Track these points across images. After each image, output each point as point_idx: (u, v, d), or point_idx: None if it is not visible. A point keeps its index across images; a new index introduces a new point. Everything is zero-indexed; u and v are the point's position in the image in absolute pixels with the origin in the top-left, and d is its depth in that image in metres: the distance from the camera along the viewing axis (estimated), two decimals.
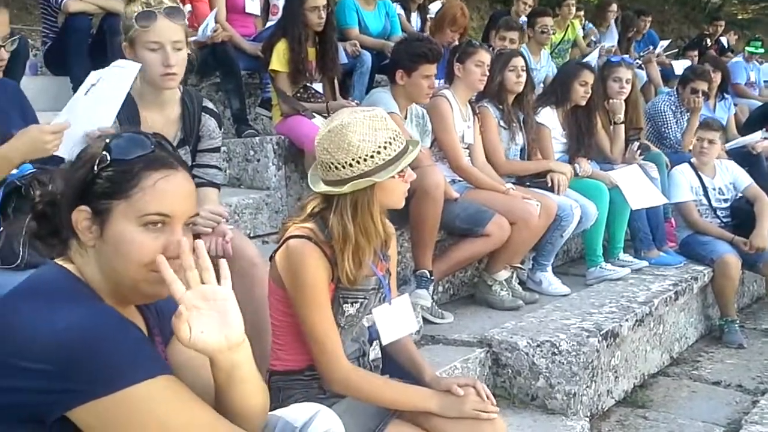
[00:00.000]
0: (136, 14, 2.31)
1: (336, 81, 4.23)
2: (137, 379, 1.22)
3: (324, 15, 4.04)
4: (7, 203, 2.04)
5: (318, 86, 4.16)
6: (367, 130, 1.90)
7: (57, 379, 1.19)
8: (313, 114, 4.01)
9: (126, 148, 1.34)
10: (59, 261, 1.37)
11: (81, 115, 2.13)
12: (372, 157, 1.89)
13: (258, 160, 4.00)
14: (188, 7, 4.14)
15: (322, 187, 1.96)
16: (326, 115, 4.06)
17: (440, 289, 3.79)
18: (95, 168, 1.32)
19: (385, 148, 1.90)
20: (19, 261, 1.97)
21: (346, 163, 1.89)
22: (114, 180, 1.32)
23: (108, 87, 2.18)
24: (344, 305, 2.01)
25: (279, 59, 4.01)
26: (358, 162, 1.89)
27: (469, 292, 3.98)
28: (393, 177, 1.92)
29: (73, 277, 1.34)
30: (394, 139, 1.92)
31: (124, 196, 1.31)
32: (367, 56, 4.89)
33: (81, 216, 1.33)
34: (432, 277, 3.44)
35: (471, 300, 3.91)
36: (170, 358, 1.48)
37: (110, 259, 1.33)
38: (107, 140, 1.35)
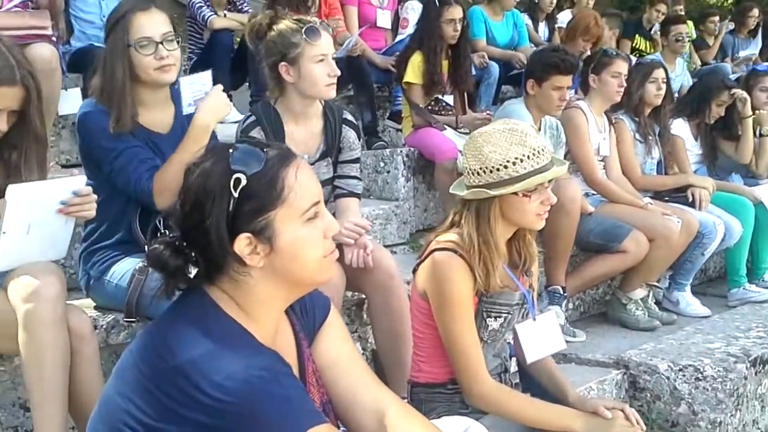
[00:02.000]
0: (304, 30, 2.42)
1: (466, 93, 4.22)
2: None
3: (459, 27, 4.06)
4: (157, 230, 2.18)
5: (449, 98, 4.17)
6: (500, 142, 1.90)
7: None
8: (444, 126, 4.02)
9: (250, 159, 1.29)
10: (211, 292, 1.33)
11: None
12: (498, 169, 1.88)
13: (388, 172, 4.05)
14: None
15: (456, 190, 1.98)
16: (456, 127, 4.09)
17: (570, 306, 3.69)
18: (234, 193, 1.26)
19: (513, 163, 1.87)
20: None
21: (475, 170, 1.91)
22: (261, 194, 1.28)
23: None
24: (488, 319, 1.99)
25: (414, 71, 4.05)
26: (484, 172, 1.90)
27: (601, 310, 3.86)
28: (517, 194, 1.89)
29: (227, 318, 1.31)
30: (528, 156, 1.88)
31: (278, 204, 1.29)
32: (495, 67, 4.87)
33: (243, 244, 1.28)
34: (565, 294, 3.36)
35: (603, 318, 3.78)
36: (316, 359, 1.51)
37: (286, 267, 1.32)
38: (229, 158, 1.29)
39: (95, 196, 2.01)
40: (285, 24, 2.46)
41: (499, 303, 1.98)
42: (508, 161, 1.87)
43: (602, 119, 3.81)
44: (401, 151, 4.08)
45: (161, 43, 2.20)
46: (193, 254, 1.32)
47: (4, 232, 1.88)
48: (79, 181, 1.99)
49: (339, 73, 2.50)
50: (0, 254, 1.91)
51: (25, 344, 1.85)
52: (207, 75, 2.29)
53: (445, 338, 1.95)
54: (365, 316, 2.85)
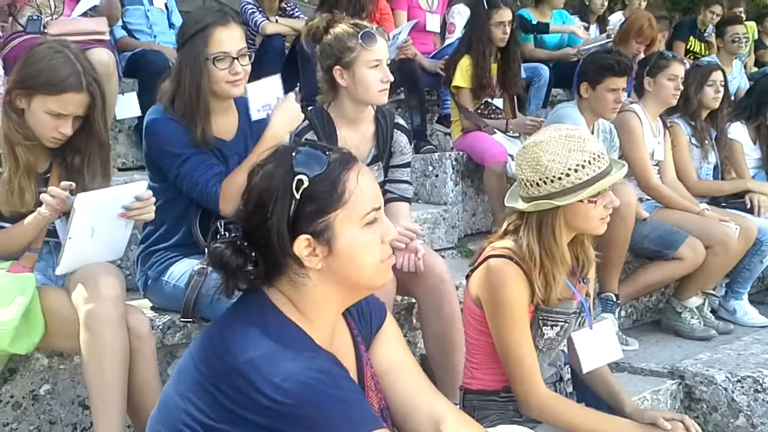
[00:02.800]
0: (360, 35, 2.42)
1: (516, 96, 4.18)
2: None
3: (508, 30, 4.03)
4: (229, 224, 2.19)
5: (498, 102, 4.14)
6: (559, 150, 1.84)
7: None
8: (494, 130, 4.00)
9: (312, 161, 1.30)
10: (270, 294, 1.34)
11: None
12: (560, 178, 1.83)
13: (436, 176, 4.04)
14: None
15: (511, 202, 1.94)
16: (506, 131, 4.05)
17: (622, 313, 3.62)
18: (296, 195, 1.28)
19: (575, 170, 1.83)
20: None
21: (533, 182, 1.86)
22: (323, 196, 1.28)
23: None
24: (543, 328, 1.96)
25: (462, 75, 4.04)
26: (545, 182, 1.84)
27: (654, 318, 3.78)
28: (582, 201, 1.85)
29: (286, 319, 1.32)
30: (589, 162, 1.84)
31: (339, 206, 1.29)
32: (545, 70, 4.81)
33: (302, 245, 1.29)
34: (618, 301, 3.30)
35: (656, 327, 3.71)
36: (374, 364, 1.51)
37: (343, 270, 1.32)
38: (292, 160, 1.30)
39: (154, 200, 2.04)
40: (341, 28, 2.47)
41: (555, 312, 1.95)
42: (569, 169, 1.83)
43: (657, 123, 3.73)
44: (450, 155, 4.06)
45: (237, 58, 2.24)
46: (253, 254, 1.33)
47: (69, 237, 1.93)
48: (140, 186, 2.04)
49: (392, 79, 2.51)
50: (64, 258, 1.97)
51: (86, 343, 1.89)
52: (276, 80, 2.32)
53: (500, 346, 1.93)
54: (414, 320, 2.84)
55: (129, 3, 3.95)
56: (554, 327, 1.96)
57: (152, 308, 2.35)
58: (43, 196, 1.98)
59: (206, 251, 2.20)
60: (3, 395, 2.10)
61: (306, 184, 1.27)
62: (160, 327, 2.26)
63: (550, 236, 1.87)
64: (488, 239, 2.06)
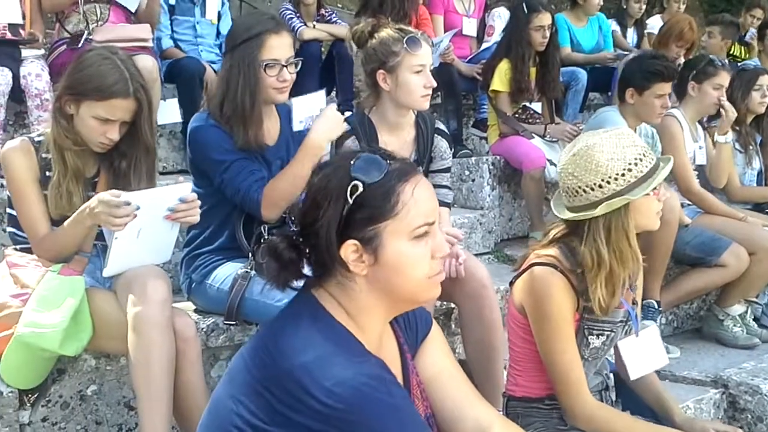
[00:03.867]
0: (405, 40, 2.43)
1: (554, 101, 4.16)
2: None
3: (548, 34, 4.01)
4: (273, 225, 2.22)
5: (536, 106, 4.12)
6: (614, 149, 1.83)
7: None
8: (533, 135, 3.97)
9: (370, 168, 1.30)
10: (320, 297, 1.35)
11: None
12: (623, 175, 1.81)
13: (473, 180, 4.02)
14: None
15: (569, 214, 1.90)
16: (544, 135, 4.03)
17: (663, 321, 3.56)
18: (350, 200, 1.28)
19: (636, 164, 1.82)
20: None
21: (595, 184, 1.83)
22: (375, 205, 1.29)
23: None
24: (589, 337, 1.94)
25: (501, 79, 4.02)
26: (608, 182, 1.82)
27: (695, 326, 3.72)
28: (647, 195, 1.83)
29: (337, 324, 1.32)
30: (643, 155, 1.84)
31: (390, 216, 1.29)
32: (582, 74, 4.77)
33: (349, 250, 1.30)
34: (660, 308, 3.25)
35: (697, 334, 3.64)
36: (420, 372, 1.51)
37: (388, 280, 1.32)
38: (351, 164, 1.30)
39: (200, 202, 2.07)
40: (387, 32, 2.48)
41: (602, 321, 1.92)
42: (630, 164, 1.81)
43: (696, 127, 3.68)
44: (487, 160, 4.05)
45: (286, 66, 2.26)
46: (306, 251, 1.35)
47: (116, 238, 1.96)
48: (185, 188, 2.06)
49: (435, 84, 2.51)
50: (111, 258, 2.00)
51: (133, 345, 1.92)
52: (321, 95, 2.33)
53: (544, 355, 1.91)
54: (453, 325, 2.83)
55: (180, 14, 4.01)
56: (600, 336, 1.94)
57: (196, 311, 2.37)
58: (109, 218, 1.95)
59: (250, 255, 2.24)
60: (52, 395, 2.14)
61: (360, 190, 1.28)
62: (204, 330, 2.29)
63: (621, 236, 1.84)
64: (532, 246, 2.04)
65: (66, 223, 2.05)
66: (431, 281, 1.34)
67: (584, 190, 1.84)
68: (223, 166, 2.23)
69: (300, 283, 1.39)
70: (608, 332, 1.95)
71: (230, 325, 2.27)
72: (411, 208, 1.29)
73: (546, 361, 1.91)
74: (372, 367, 1.28)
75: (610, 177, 1.81)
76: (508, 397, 2.06)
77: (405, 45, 2.43)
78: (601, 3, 5.19)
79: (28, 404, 2.09)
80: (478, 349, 2.45)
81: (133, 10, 3.56)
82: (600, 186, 1.82)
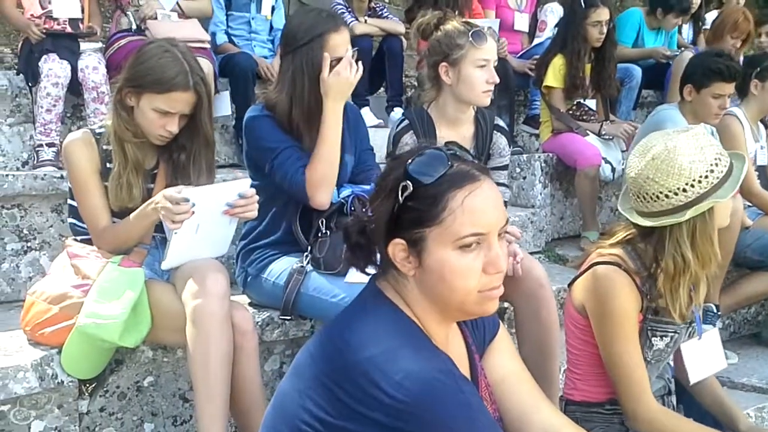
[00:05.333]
0: (470, 33, 2.40)
1: (609, 98, 4.08)
2: None
3: (605, 30, 3.92)
4: (331, 219, 2.20)
5: (591, 103, 4.03)
6: (694, 150, 1.76)
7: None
8: (587, 132, 3.89)
9: (426, 170, 1.25)
10: (384, 288, 1.34)
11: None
12: (706, 177, 1.74)
13: (524, 178, 3.96)
14: None
15: (647, 221, 1.81)
16: (599, 133, 3.94)
17: (719, 325, 3.46)
18: (400, 198, 1.25)
19: (716, 165, 1.75)
20: (340, 268, 2.12)
21: (678, 189, 1.75)
22: (422, 208, 1.24)
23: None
24: (653, 338, 1.88)
25: (555, 75, 3.95)
26: (692, 185, 1.74)
27: (753, 331, 3.63)
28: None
29: (405, 316, 1.30)
30: (721, 155, 1.77)
31: (435, 223, 1.24)
32: (637, 71, 4.67)
33: (397, 248, 1.27)
34: (718, 312, 3.16)
35: (755, 340, 3.56)
36: (487, 373, 1.47)
37: (434, 286, 1.28)
38: (408, 163, 1.27)
39: (258, 198, 2.07)
40: (452, 25, 2.44)
41: (665, 321, 1.87)
42: (711, 165, 1.75)
43: (758, 127, 3.56)
44: (539, 157, 3.98)
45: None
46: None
47: (175, 232, 1.97)
48: (244, 183, 2.06)
49: (498, 80, 2.46)
50: (170, 252, 2.01)
51: (192, 338, 1.93)
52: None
53: (606, 357, 1.86)
54: (507, 325, 2.78)
55: (236, 9, 4.03)
56: (664, 338, 1.88)
57: (250, 304, 2.37)
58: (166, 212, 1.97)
59: (308, 249, 2.23)
60: (110, 385, 2.16)
61: (410, 191, 1.24)
62: (259, 323, 2.29)
63: (705, 239, 1.78)
64: (595, 246, 1.99)
65: (131, 216, 2.07)
66: (482, 296, 1.27)
67: (666, 195, 1.77)
68: (274, 153, 2.23)
69: (372, 271, 1.37)
70: (672, 334, 1.89)
71: (285, 319, 2.27)
72: (458, 216, 1.23)
73: (608, 363, 1.86)
74: (442, 362, 1.25)
75: (694, 180, 1.74)
76: (566, 401, 2.02)
77: (470, 38, 2.40)
78: (679, 23, 5.06)
79: (87, 394, 2.12)
80: (534, 350, 2.40)
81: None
82: (684, 190, 1.75)
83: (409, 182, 1.24)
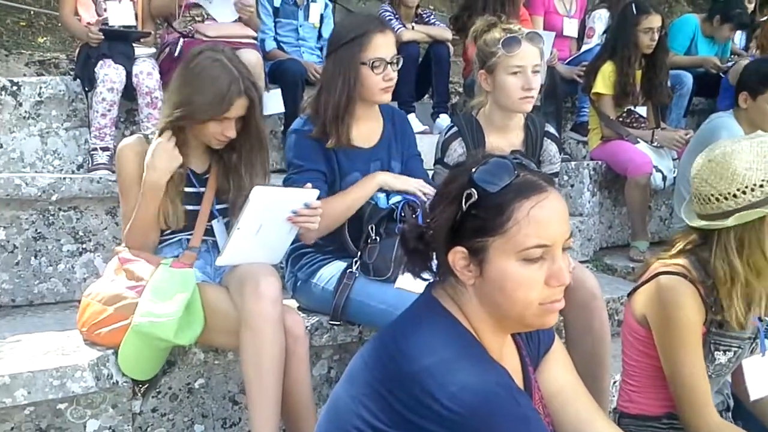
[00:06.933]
0: (501, 41, 2.37)
1: (660, 106, 4.01)
2: None
3: (656, 37, 3.86)
4: (380, 225, 2.20)
5: (641, 110, 3.97)
6: (754, 157, 1.71)
7: None
8: (638, 139, 3.83)
9: (491, 178, 1.23)
10: (439, 296, 1.32)
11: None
12: (761, 186, 1.70)
13: (572, 186, 3.91)
14: None
15: (700, 222, 1.80)
16: (651, 141, 3.87)
17: None
18: (464, 206, 1.24)
19: None
20: (389, 275, 2.11)
21: (729, 193, 1.72)
22: (486, 217, 1.23)
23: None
24: (715, 352, 1.83)
25: (604, 81, 3.91)
26: (743, 192, 1.71)
27: None
28: None
29: (461, 327, 1.29)
30: None
31: (499, 232, 1.22)
32: (688, 77, 4.59)
33: (457, 257, 1.26)
34: None
35: None
36: (541, 386, 1.45)
37: (493, 297, 1.26)
38: (472, 171, 1.25)
39: (321, 211, 2.08)
40: (493, 32, 2.42)
41: (729, 336, 1.81)
42: None
43: None
44: (588, 164, 3.93)
45: (390, 63, 2.26)
46: (432, 245, 1.32)
47: (238, 228, 2.00)
48: (311, 193, 2.08)
49: (535, 86, 2.40)
50: (229, 248, 2.04)
51: (246, 341, 1.94)
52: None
53: (669, 369, 1.81)
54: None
55: (284, 16, 4.08)
56: (727, 352, 1.83)
57: (300, 309, 2.38)
58: None
59: (358, 254, 2.23)
60: (162, 386, 2.19)
61: (474, 199, 1.23)
62: (308, 328, 2.29)
63: (756, 249, 1.72)
64: (657, 255, 1.94)
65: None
66: (543, 308, 1.25)
67: (717, 198, 1.74)
68: (296, 169, 2.26)
69: (427, 277, 1.36)
70: (735, 348, 1.84)
71: (334, 324, 2.27)
72: (523, 227, 1.21)
73: (669, 375, 1.81)
74: (498, 374, 1.23)
75: (746, 187, 1.70)
76: (620, 414, 1.98)
77: (500, 45, 2.37)
78: (732, 36, 4.97)
79: (140, 394, 2.14)
80: (585, 361, 2.35)
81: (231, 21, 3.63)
82: (734, 195, 1.71)
83: (473, 190, 1.23)
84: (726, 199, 1.72)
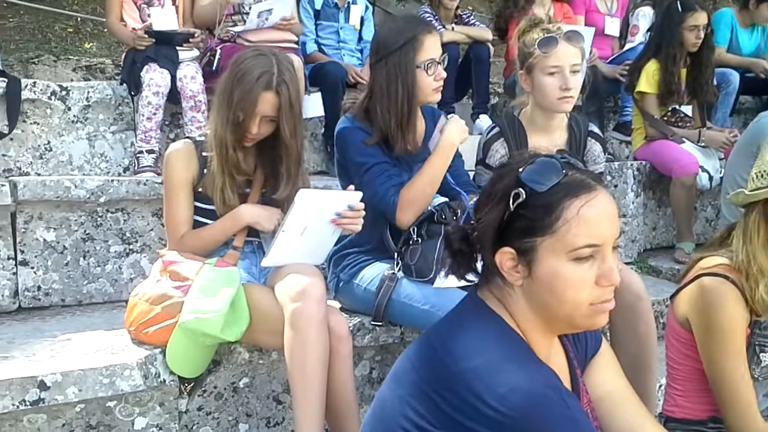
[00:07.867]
0: (537, 41, 2.36)
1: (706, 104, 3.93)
2: None
3: (702, 35, 3.79)
4: (422, 226, 2.20)
5: (687, 109, 3.90)
6: None
7: None
8: (683, 139, 3.76)
9: (539, 178, 1.22)
10: (485, 297, 1.32)
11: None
12: None
13: (615, 186, 3.85)
14: None
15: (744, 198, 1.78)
16: (697, 141, 3.80)
17: None
18: (511, 206, 1.23)
19: None
20: (432, 275, 2.11)
21: (765, 171, 1.73)
22: (534, 217, 1.22)
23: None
24: (761, 354, 1.79)
25: (648, 80, 3.85)
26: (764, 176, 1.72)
27: None
28: None
29: (509, 327, 1.28)
30: None
31: (548, 232, 1.21)
32: (735, 76, 4.50)
33: (505, 257, 1.25)
34: None
35: None
36: (589, 389, 1.43)
37: (542, 297, 1.24)
38: (519, 171, 1.24)
39: (364, 213, 2.09)
40: (532, 32, 2.41)
41: None
42: None
43: None
44: (632, 165, 3.87)
45: (440, 63, 2.27)
46: (478, 247, 1.31)
47: (283, 231, 2.02)
48: (355, 196, 2.10)
49: (573, 86, 2.37)
50: (274, 249, 2.06)
51: (290, 341, 1.96)
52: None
53: (712, 373, 1.78)
54: None
55: (324, 19, 4.12)
56: None
57: (342, 309, 2.40)
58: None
59: (396, 256, 2.24)
60: (208, 385, 2.22)
61: (522, 198, 1.22)
62: (350, 329, 2.30)
63: None
64: (698, 255, 1.92)
65: (219, 221, 2.16)
66: (593, 309, 1.23)
67: (755, 176, 1.75)
68: (363, 168, 2.25)
69: (471, 278, 1.36)
70: None
71: (376, 325, 2.28)
72: (573, 226, 1.20)
73: (712, 379, 1.79)
74: (547, 376, 1.22)
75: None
76: (665, 418, 1.95)
77: (536, 45, 2.36)
78: None
79: (186, 393, 2.18)
80: (631, 364, 2.32)
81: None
82: (763, 176, 1.73)
83: (521, 190, 1.22)
84: (763, 177, 1.72)
